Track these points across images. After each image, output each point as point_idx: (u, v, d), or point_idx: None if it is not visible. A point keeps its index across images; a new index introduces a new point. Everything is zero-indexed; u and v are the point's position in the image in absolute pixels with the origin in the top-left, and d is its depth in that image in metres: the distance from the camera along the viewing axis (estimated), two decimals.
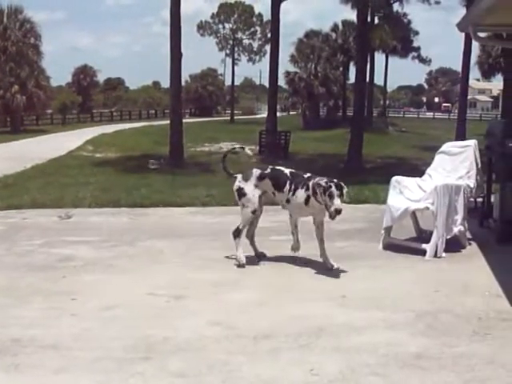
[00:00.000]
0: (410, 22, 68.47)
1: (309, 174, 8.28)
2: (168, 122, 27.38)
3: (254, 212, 8.58)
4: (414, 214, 9.62)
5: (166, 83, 26.74)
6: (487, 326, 6.22)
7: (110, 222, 11.45)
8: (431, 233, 9.08)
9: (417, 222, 9.81)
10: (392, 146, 38.30)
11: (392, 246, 9.09)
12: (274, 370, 5.13)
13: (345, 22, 64.78)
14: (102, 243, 9.60)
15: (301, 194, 8.14)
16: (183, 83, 41.53)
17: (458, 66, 42.03)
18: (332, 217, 7.69)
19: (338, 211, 7.58)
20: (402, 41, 67.68)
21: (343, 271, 8.04)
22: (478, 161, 9.93)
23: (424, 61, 77.63)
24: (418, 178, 9.85)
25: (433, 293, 7.24)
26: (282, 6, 29.57)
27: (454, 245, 9.26)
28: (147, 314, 6.48)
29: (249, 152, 9.61)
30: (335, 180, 7.83)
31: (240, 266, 8.30)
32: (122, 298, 6.98)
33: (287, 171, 8.49)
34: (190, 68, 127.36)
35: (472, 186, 9.59)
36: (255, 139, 32.46)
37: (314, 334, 5.88)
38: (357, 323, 6.23)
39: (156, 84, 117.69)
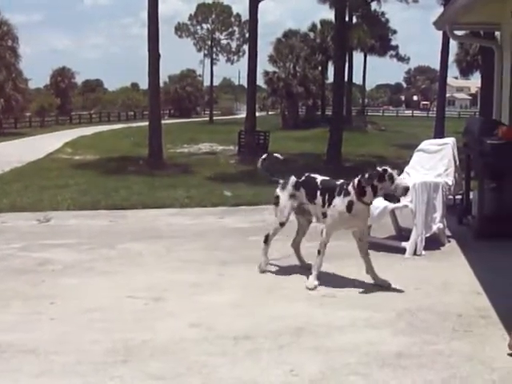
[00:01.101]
0: (387, 20, 68.98)
1: (341, 181, 7.58)
2: (147, 123, 27.32)
3: (282, 224, 8.04)
4: (393, 212, 9.61)
5: (144, 85, 26.90)
6: (467, 323, 6.23)
7: (89, 224, 11.40)
8: (410, 231, 9.11)
9: (396, 220, 9.83)
10: (371, 144, 38.34)
11: (372, 245, 9.06)
12: (253, 371, 5.11)
13: (323, 22, 64.96)
14: (80, 246, 9.55)
15: (340, 201, 7.37)
16: (162, 84, 41.40)
17: (436, 64, 42.28)
18: (401, 196, 7.37)
19: (407, 189, 7.31)
20: (380, 39, 68.10)
21: (325, 271, 8.02)
22: (456, 158, 9.95)
23: (402, 59, 78.20)
24: None
25: (413, 291, 7.26)
26: (261, 5, 29.60)
27: (433, 242, 9.30)
28: (126, 317, 6.44)
29: (278, 155, 8.74)
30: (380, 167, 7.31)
31: (261, 271, 8.05)
32: (101, 301, 6.93)
33: (319, 179, 7.81)
34: (168, 69, 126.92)
35: (450, 183, 9.62)
36: (234, 139, 32.47)
37: (295, 334, 5.87)
38: (337, 323, 6.23)
39: (135, 85, 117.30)
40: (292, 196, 7.93)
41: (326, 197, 7.52)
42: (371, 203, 7.49)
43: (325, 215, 7.58)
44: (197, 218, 11.91)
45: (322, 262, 7.55)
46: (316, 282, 7.38)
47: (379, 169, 7.19)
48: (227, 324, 6.18)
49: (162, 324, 6.24)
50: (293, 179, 7.97)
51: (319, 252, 7.55)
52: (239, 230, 10.71)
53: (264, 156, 8.58)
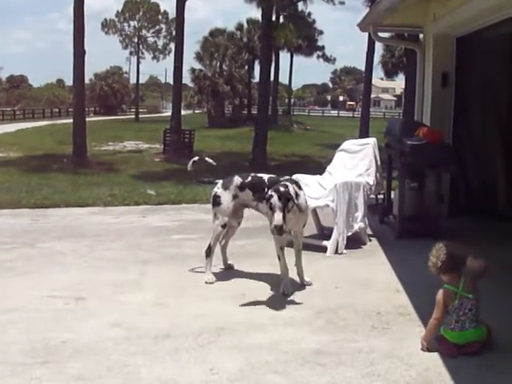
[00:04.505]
0: (314, 21, 69.51)
1: (287, 177, 7.41)
2: (72, 120, 27.04)
3: (224, 226, 7.70)
4: (314, 211, 9.68)
5: (70, 81, 26.63)
6: (386, 320, 6.33)
7: (10, 223, 11.20)
8: (332, 230, 9.19)
9: (318, 219, 9.90)
10: (296, 143, 38.61)
11: (293, 244, 9.17)
12: (173, 370, 5.11)
13: (250, 21, 65.10)
14: (1, 245, 9.38)
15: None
16: (88, 81, 41.07)
17: (362, 65, 42.75)
18: (273, 233, 6.78)
19: (278, 228, 6.55)
20: (307, 40, 68.46)
21: (243, 270, 8.10)
22: (378, 158, 10.09)
23: (328, 60, 78.88)
24: (318, 176, 9.94)
25: (333, 289, 7.34)
26: (189, 4, 29.70)
27: (354, 241, 9.40)
28: (46, 317, 6.35)
29: (210, 161, 8.35)
30: (286, 186, 6.88)
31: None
32: (21, 301, 6.82)
33: (266, 177, 7.55)
34: (95, 66, 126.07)
35: (371, 183, 9.74)
36: (160, 137, 32.33)
37: (215, 333, 5.88)
38: (257, 321, 6.25)
39: (60, 82, 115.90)
40: (235, 197, 7.65)
41: None
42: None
43: None
44: (119, 216, 11.84)
45: (287, 266, 7.31)
46: (290, 288, 7.17)
47: (270, 192, 6.78)
48: (148, 323, 6.15)
49: (82, 324, 6.18)
50: (237, 179, 7.68)
51: (278, 258, 7.30)
52: (161, 228, 10.68)
53: (195, 158, 8.29)
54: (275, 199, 6.65)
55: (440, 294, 5.52)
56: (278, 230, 6.58)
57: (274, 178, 7.54)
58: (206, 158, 8.39)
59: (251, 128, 33.27)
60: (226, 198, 7.65)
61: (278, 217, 6.56)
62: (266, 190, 7.20)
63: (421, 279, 7.51)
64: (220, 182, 7.82)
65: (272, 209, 6.66)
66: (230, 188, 7.66)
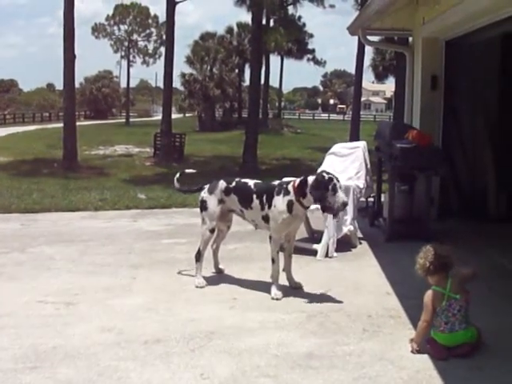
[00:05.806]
0: (304, 24, 69.47)
1: (278, 181, 7.38)
2: (62, 124, 27.01)
3: (212, 231, 7.70)
4: (305, 214, 9.65)
5: (60, 85, 26.56)
6: (377, 323, 6.34)
7: (0, 228, 11.16)
8: (322, 233, 9.19)
9: (308, 222, 9.89)
10: (287, 147, 38.66)
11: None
12: (164, 375, 5.10)
13: (240, 24, 65.10)
14: None
15: (280, 201, 7.13)
16: (78, 85, 40.94)
17: (352, 69, 42.76)
18: (338, 211, 7.08)
19: (345, 204, 6.98)
20: (297, 43, 68.47)
21: (234, 273, 8.09)
22: (368, 161, 10.11)
23: (319, 63, 78.73)
24: None
25: (324, 292, 7.33)
26: (181, 8, 29.78)
27: (345, 244, 9.42)
28: (37, 323, 6.34)
29: (190, 171, 8.55)
30: (327, 173, 7.10)
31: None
32: (11, 307, 6.81)
33: (251, 183, 7.54)
34: (85, 70, 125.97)
35: (361, 186, 9.75)
36: (150, 141, 32.32)
37: (205, 338, 5.87)
38: (248, 325, 6.25)
39: (50, 86, 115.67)
40: (221, 201, 7.63)
41: (264, 199, 7.26)
42: (309, 207, 7.33)
43: (266, 219, 7.32)
44: (110, 220, 11.82)
45: (279, 270, 7.38)
46: (279, 292, 7.17)
47: (325, 175, 6.93)
48: (138, 328, 6.15)
49: (73, 329, 6.16)
50: (222, 184, 7.66)
51: (273, 261, 7.32)
52: (152, 232, 10.67)
53: (177, 176, 8.23)
54: (336, 181, 6.89)
55: (427, 296, 5.54)
56: (345, 206, 7.07)
57: (260, 183, 7.58)
58: (186, 170, 8.45)
59: (242, 132, 33.26)
60: (212, 203, 7.65)
61: (343, 194, 6.98)
62: (255, 196, 7.34)
63: (411, 281, 7.50)
64: (207, 186, 7.82)
65: (334, 189, 6.83)
66: (216, 192, 7.65)
